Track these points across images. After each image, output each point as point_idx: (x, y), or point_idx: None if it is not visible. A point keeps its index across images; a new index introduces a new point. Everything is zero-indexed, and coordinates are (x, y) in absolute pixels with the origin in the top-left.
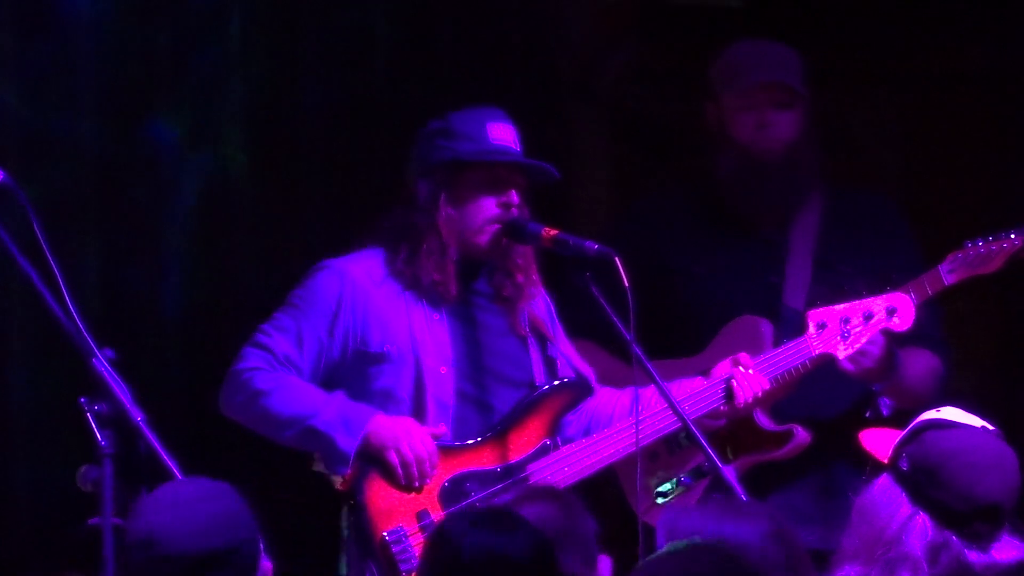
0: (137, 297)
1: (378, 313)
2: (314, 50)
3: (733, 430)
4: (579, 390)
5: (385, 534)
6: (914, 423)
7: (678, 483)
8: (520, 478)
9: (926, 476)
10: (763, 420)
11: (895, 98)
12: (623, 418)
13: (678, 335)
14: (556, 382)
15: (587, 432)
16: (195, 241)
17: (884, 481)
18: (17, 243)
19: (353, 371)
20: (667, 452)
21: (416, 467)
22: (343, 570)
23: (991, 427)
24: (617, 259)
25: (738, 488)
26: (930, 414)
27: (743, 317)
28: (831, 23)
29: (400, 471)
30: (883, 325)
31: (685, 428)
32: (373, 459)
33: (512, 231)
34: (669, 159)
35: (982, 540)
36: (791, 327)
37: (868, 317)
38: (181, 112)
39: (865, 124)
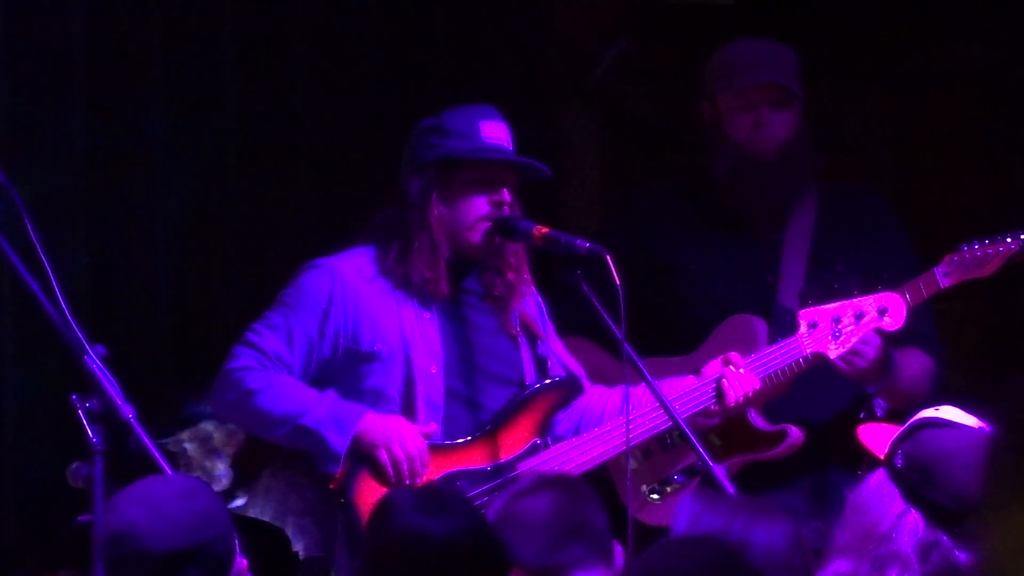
0: (128, 294)
1: (369, 312)
2: (306, 45)
3: (727, 429)
4: (569, 389)
5: None
6: (911, 421)
7: (671, 481)
8: (510, 477)
9: (920, 474)
10: (757, 420)
11: (887, 96)
12: (614, 417)
13: (672, 332)
14: (546, 381)
15: (577, 431)
16: (186, 238)
17: (878, 477)
18: (9, 240)
19: (344, 370)
20: (661, 449)
21: (407, 466)
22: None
23: (988, 428)
24: (608, 257)
25: (729, 487)
26: (928, 412)
27: (737, 316)
28: (823, 21)
29: (391, 470)
30: (874, 325)
31: (676, 427)
32: (364, 458)
33: (503, 229)
34: (662, 157)
35: (973, 541)
36: (785, 326)
37: (859, 317)
38: (172, 108)
39: (857, 122)
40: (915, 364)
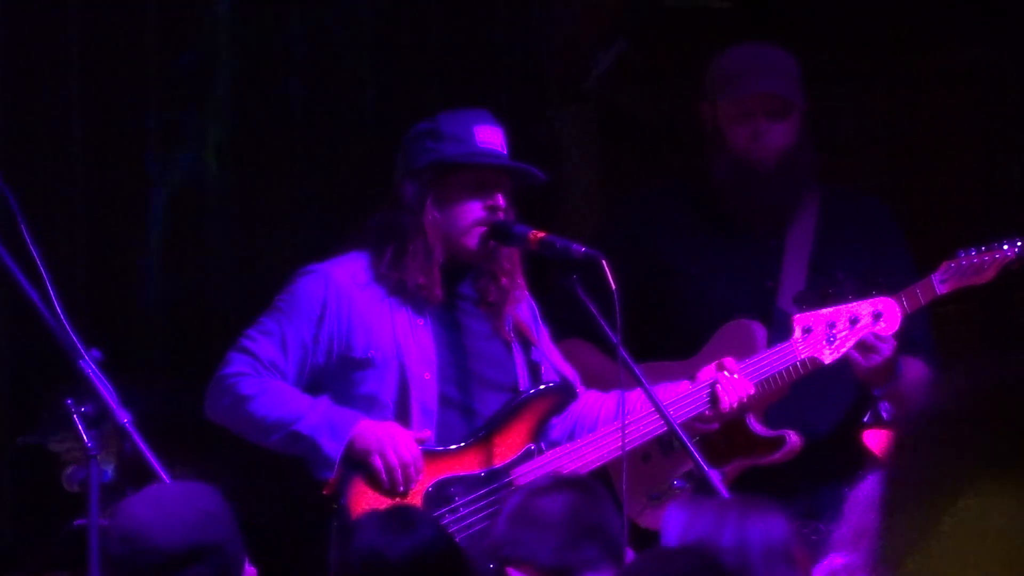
0: (123, 297)
1: (362, 318)
2: (300, 48)
3: (726, 434)
4: (563, 395)
5: None
6: None
7: (671, 486)
8: (504, 483)
9: None
10: (755, 425)
11: (883, 97)
12: (608, 422)
13: (671, 336)
14: (540, 387)
15: (572, 436)
16: (182, 243)
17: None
18: (3, 242)
19: (337, 376)
20: (660, 453)
21: (400, 472)
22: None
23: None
24: (604, 261)
25: (724, 492)
26: None
27: (737, 320)
28: (820, 23)
29: (384, 476)
30: (869, 329)
31: (672, 432)
32: (358, 464)
33: (498, 233)
34: (659, 159)
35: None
36: (785, 331)
37: (854, 321)
38: (168, 108)
39: (853, 123)
40: (916, 372)
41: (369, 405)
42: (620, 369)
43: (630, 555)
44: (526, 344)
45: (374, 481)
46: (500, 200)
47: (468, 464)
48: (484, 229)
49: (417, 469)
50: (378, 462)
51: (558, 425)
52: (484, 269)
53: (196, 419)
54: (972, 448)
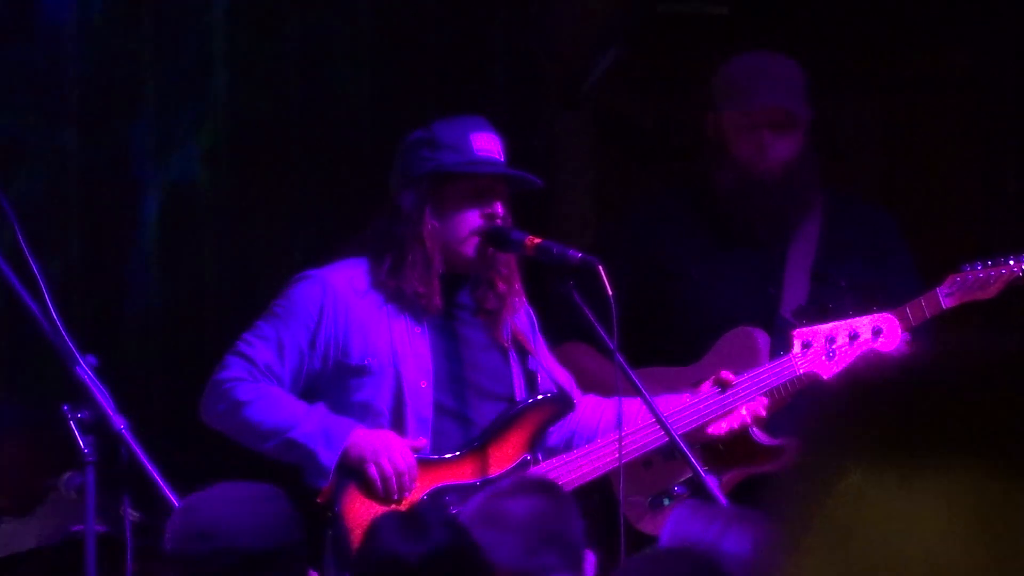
0: (118, 303)
1: (360, 325)
2: (296, 54)
3: (727, 442)
4: (560, 405)
5: None
6: None
7: (671, 492)
8: None
9: None
10: (757, 434)
11: (879, 102)
12: (607, 432)
13: (673, 342)
14: (536, 397)
15: (569, 445)
16: (176, 247)
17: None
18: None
19: (333, 382)
20: (662, 459)
21: (395, 480)
22: None
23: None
24: (600, 267)
25: (722, 499)
26: None
27: (740, 328)
28: (816, 28)
29: (379, 484)
30: (869, 345)
31: (672, 442)
32: (353, 471)
33: (495, 239)
34: (655, 165)
35: None
36: (786, 338)
37: (854, 337)
38: (163, 114)
39: (849, 127)
40: None
41: (364, 412)
42: (617, 374)
43: (589, 559)
44: (523, 353)
45: (369, 489)
46: (498, 208)
47: (463, 473)
48: (481, 237)
49: (412, 478)
50: (373, 470)
51: (555, 433)
52: (482, 277)
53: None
54: (842, 444)
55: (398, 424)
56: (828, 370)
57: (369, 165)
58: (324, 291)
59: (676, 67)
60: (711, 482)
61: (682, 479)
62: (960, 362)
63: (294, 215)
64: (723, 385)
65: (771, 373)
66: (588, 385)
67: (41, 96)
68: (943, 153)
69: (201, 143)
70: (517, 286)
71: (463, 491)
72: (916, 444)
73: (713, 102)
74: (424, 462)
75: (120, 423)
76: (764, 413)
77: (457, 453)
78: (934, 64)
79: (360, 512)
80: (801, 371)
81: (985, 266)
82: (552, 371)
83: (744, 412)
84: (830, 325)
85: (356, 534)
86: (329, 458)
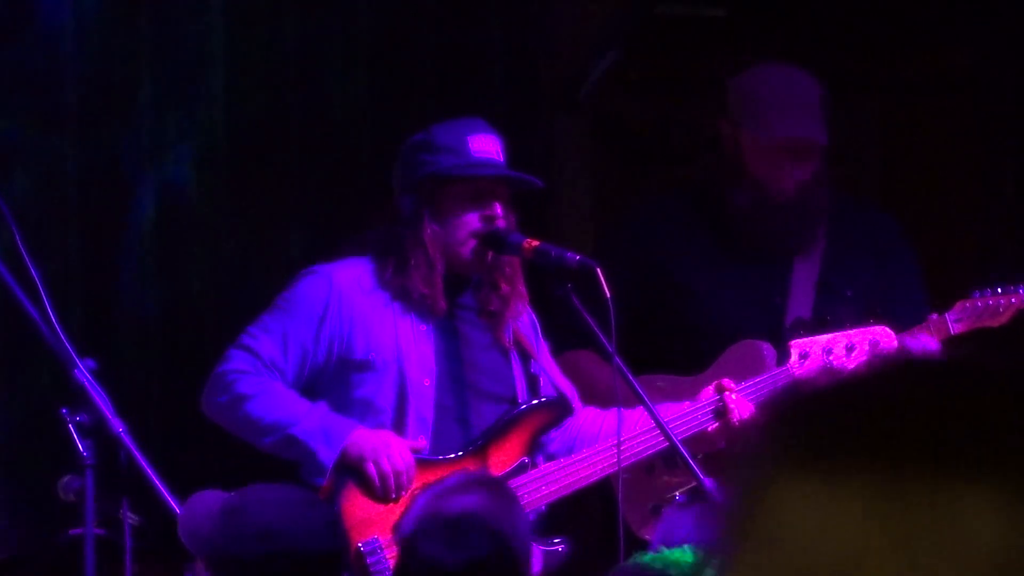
0: (116, 306)
1: (364, 321)
2: (294, 55)
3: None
4: (559, 409)
5: (360, 545)
6: None
7: (673, 499)
8: None
9: None
10: None
11: (877, 104)
12: (608, 437)
13: (678, 350)
14: (536, 401)
15: (571, 451)
16: (174, 250)
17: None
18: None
19: (336, 378)
20: (664, 466)
21: (393, 479)
22: None
23: None
24: (599, 270)
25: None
26: None
27: (745, 341)
28: (812, 30)
29: (378, 483)
30: (865, 358)
31: (672, 447)
32: (351, 470)
33: (493, 242)
34: (652, 168)
35: None
36: (784, 349)
37: (851, 349)
38: (161, 116)
39: (846, 129)
40: None
41: (366, 409)
42: (616, 378)
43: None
44: (525, 357)
45: (367, 487)
46: (497, 209)
47: None
48: (479, 239)
49: (409, 477)
50: (371, 468)
51: (557, 439)
52: (485, 279)
53: (189, 428)
54: (773, 452)
55: (399, 422)
56: None
57: (367, 167)
58: (330, 286)
59: (674, 69)
60: (712, 488)
61: (684, 488)
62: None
63: (292, 217)
64: (723, 392)
65: (769, 382)
66: (591, 393)
67: (37, 98)
68: (942, 154)
69: (198, 145)
70: (520, 288)
71: None
72: (836, 449)
73: (729, 112)
74: (423, 462)
75: (119, 426)
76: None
77: (457, 454)
78: (933, 64)
79: (358, 510)
80: None
81: (995, 293)
82: (554, 377)
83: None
84: (828, 336)
85: (354, 533)
86: (328, 456)
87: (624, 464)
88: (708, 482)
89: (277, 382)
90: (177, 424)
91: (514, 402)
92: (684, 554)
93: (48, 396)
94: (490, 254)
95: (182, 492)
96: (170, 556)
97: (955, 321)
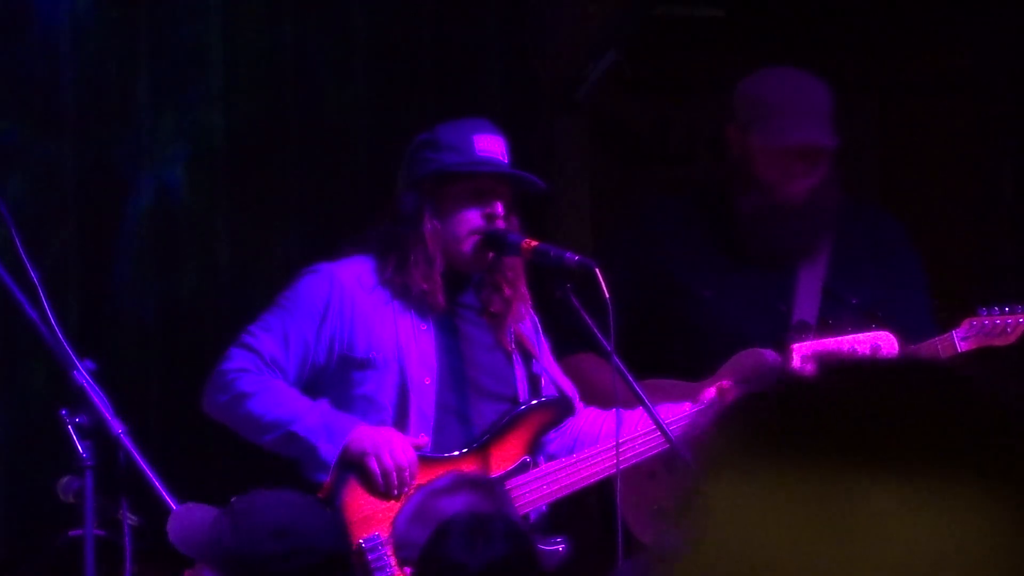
0: (115, 308)
1: (365, 319)
2: (292, 57)
3: None
4: (561, 409)
5: (361, 541)
6: None
7: None
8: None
9: None
10: None
11: (876, 105)
12: (608, 438)
13: (682, 359)
14: (537, 400)
15: (571, 450)
16: (172, 251)
17: None
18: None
19: (337, 375)
20: (666, 471)
21: (396, 475)
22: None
23: None
24: (597, 270)
25: None
26: None
27: (751, 349)
28: (811, 31)
29: (380, 479)
30: None
31: (672, 447)
32: (353, 466)
33: (492, 242)
34: (651, 169)
35: None
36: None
37: (852, 353)
38: (158, 118)
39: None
40: None
41: (367, 406)
42: (615, 378)
43: None
44: (527, 356)
45: (369, 484)
46: (499, 208)
47: None
48: (478, 238)
49: (412, 474)
50: (373, 464)
51: (557, 439)
52: (487, 280)
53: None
54: (709, 452)
55: (400, 419)
56: None
57: (365, 168)
58: (331, 284)
59: (673, 70)
60: None
61: None
62: (819, 373)
63: (289, 218)
64: (724, 394)
65: None
66: (593, 396)
67: (35, 99)
68: (941, 154)
69: (196, 146)
70: (523, 291)
71: None
72: (763, 446)
73: (736, 117)
74: (425, 460)
75: (118, 427)
76: None
77: (459, 452)
78: (933, 65)
79: (359, 507)
80: None
81: (1003, 312)
82: (555, 377)
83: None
84: (829, 341)
85: (355, 529)
86: (330, 453)
87: (625, 465)
88: None
89: (278, 380)
90: (175, 425)
91: (515, 401)
92: None
93: (48, 397)
94: (490, 255)
95: (181, 493)
96: (169, 557)
97: (962, 339)
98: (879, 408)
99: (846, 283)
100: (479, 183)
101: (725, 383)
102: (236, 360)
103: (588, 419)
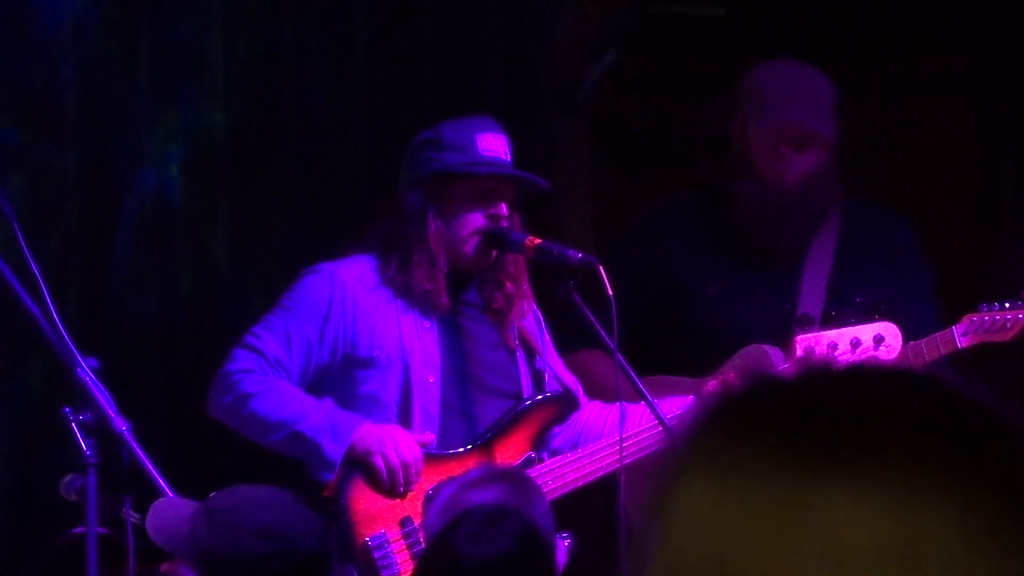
0: (115, 307)
1: (368, 318)
2: (296, 57)
3: None
4: (565, 404)
5: (367, 539)
6: None
7: None
8: None
9: None
10: None
11: (877, 103)
12: (612, 434)
13: (686, 357)
14: (542, 396)
15: (575, 446)
16: (173, 251)
17: None
18: (2, 253)
19: (340, 375)
20: None
21: (401, 473)
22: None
23: None
24: (600, 267)
25: None
26: None
27: (753, 345)
28: (812, 30)
29: (385, 476)
30: (870, 353)
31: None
32: (359, 464)
33: (495, 240)
34: (652, 169)
35: None
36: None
37: (856, 344)
38: (160, 118)
39: (845, 128)
40: None
41: (371, 405)
42: (617, 375)
43: (561, 548)
44: (530, 353)
45: (374, 481)
46: (503, 209)
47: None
48: (481, 237)
49: (417, 471)
50: (379, 462)
51: (561, 434)
52: (489, 276)
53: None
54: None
55: (404, 418)
56: None
57: (364, 168)
58: (333, 284)
59: (673, 69)
60: None
61: None
62: (790, 374)
63: (289, 218)
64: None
65: None
66: (598, 392)
67: (34, 100)
68: (942, 154)
69: (195, 146)
70: (525, 287)
71: None
72: (727, 444)
73: (739, 110)
74: (431, 457)
75: (122, 425)
76: None
77: (464, 448)
78: (933, 64)
79: (365, 505)
80: None
81: (1003, 308)
82: (559, 372)
83: None
84: (833, 332)
85: (361, 527)
86: (335, 451)
87: (628, 460)
88: None
89: (282, 380)
90: (175, 424)
91: (519, 398)
92: None
93: (51, 395)
94: (494, 252)
95: (184, 491)
96: (172, 555)
97: (962, 335)
98: (846, 412)
99: (851, 282)
100: (483, 183)
101: (730, 377)
102: (240, 361)
103: (592, 414)
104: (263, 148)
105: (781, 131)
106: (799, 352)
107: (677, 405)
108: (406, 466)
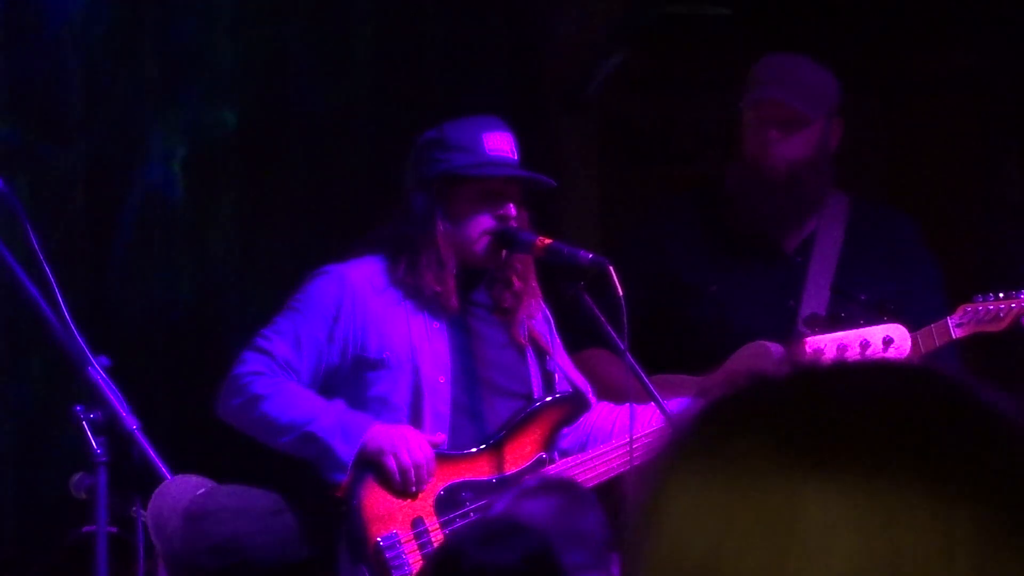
0: (120, 307)
1: (377, 320)
2: (299, 56)
3: None
4: (576, 404)
5: (379, 540)
6: None
7: None
8: None
9: None
10: None
11: (880, 103)
12: (621, 434)
13: (691, 353)
14: (552, 396)
15: (584, 447)
16: (180, 250)
17: None
18: (11, 251)
19: (350, 377)
20: None
21: (413, 472)
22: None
23: None
24: (611, 268)
25: None
26: None
27: (756, 343)
28: (817, 30)
29: (397, 476)
30: (879, 355)
31: None
32: (370, 465)
33: (504, 240)
34: (658, 168)
35: None
36: (799, 347)
37: (865, 346)
38: (164, 117)
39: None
40: None
41: (381, 406)
42: (628, 376)
43: (616, 560)
44: (540, 353)
45: (386, 482)
46: (511, 209)
47: (480, 470)
48: (491, 238)
49: (429, 471)
50: (391, 462)
51: (570, 435)
52: (498, 276)
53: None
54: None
55: (415, 419)
56: None
57: (369, 168)
58: (342, 286)
59: (679, 68)
60: None
61: None
62: (779, 375)
63: (294, 218)
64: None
65: None
66: (607, 392)
67: (40, 101)
68: (943, 153)
69: (201, 145)
70: (533, 285)
71: (479, 487)
72: (714, 445)
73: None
74: (442, 457)
75: (133, 423)
76: None
77: (475, 449)
78: (936, 64)
79: (377, 505)
80: None
81: (997, 298)
82: (569, 373)
83: None
84: (841, 334)
85: (373, 528)
86: (347, 452)
87: (639, 461)
88: None
89: (292, 382)
90: (178, 423)
91: (529, 398)
92: None
93: (61, 393)
94: (503, 252)
95: None
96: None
97: (956, 325)
98: (832, 412)
99: (856, 281)
100: (490, 184)
101: (736, 375)
102: (249, 364)
103: (601, 414)
104: (267, 147)
105: (763, 110)
106: (808, 354)
107: (683, 405)
108: (418, 466)
